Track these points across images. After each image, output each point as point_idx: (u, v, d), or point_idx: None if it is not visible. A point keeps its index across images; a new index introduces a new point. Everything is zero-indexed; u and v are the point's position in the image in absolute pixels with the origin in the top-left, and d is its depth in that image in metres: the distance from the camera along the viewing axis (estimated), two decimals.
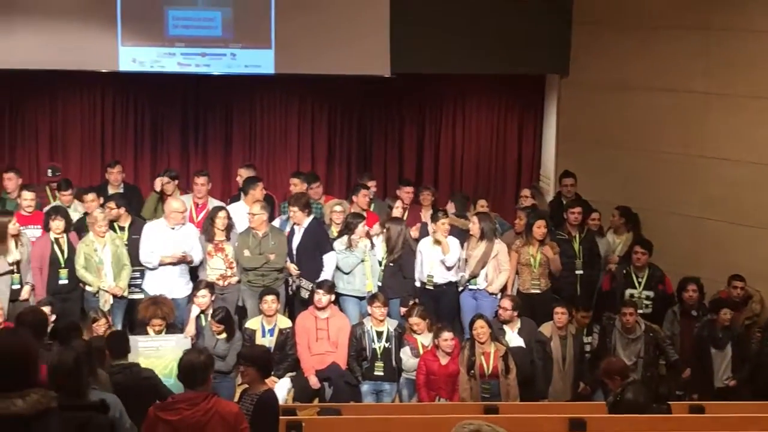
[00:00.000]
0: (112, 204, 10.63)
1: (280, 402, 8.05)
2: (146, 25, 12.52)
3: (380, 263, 10.74)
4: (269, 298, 9.70)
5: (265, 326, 9.70)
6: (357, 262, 10.50)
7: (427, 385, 9.31)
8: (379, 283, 10.65)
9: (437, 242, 10.50)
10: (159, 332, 9.31)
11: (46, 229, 10.30)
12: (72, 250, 10.20)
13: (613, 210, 11.65)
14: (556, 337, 9.78)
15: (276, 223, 11.03)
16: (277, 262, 10.42)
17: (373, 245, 10.73)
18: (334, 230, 10.89)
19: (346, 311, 10.35)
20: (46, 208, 10.74)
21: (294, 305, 10.70)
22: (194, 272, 10.55)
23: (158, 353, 9.06)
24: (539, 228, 10.58)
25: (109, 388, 6.96)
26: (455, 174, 14.16)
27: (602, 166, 12.40)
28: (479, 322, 9.31)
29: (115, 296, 10.18)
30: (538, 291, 10.58)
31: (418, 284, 10.65)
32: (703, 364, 9.98)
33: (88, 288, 10.19)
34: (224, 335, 9.44)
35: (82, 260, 10.13)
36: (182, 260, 10.28)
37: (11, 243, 10.04)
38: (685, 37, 11.84)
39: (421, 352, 9.55)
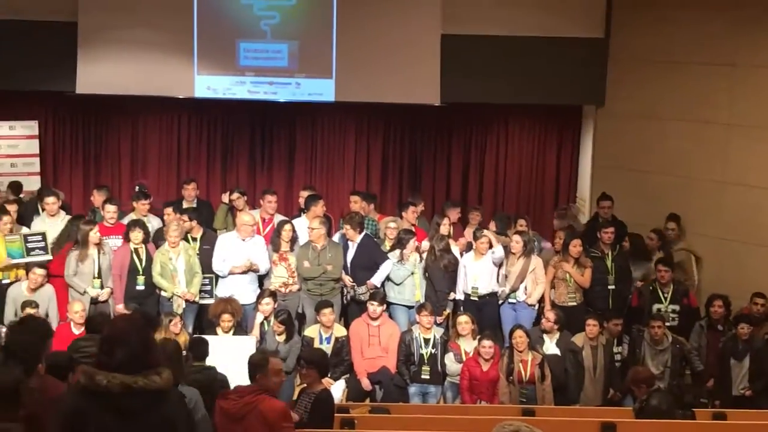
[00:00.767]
0: (185, 217, 10.79)
1: (336, 401, 8.12)
2: (220, 57, 12.70)
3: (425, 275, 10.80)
4: (326, 311, 9.77)
5: (322, 334, 9.78)
6: (407, 274, 10.56)
7: (469, 388, 9.36)
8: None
9: (479, 256, 10.56)
10: (228, 330, 9.42)
11: (126, 239, 10.47)
12: (149, 258, 10.32)
13: (650, 233, 11.63)
14: (588, 346, 9.76)
15: (335, 238, 11.13)
16: (334, 273, 10.51)
17: (422, 259, 10.79)
18: (387, 244, 10.96)
19: (396, 319, 10.38)
20: (126, 221, 10.90)
21: (348, 313, 10.80)
22: (262, 281, 10.66)
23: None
24: (575, 247, 10.62)
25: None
26: (498, 195, 14.14)
27: (633, 190, 12.36)
28: (518, 332, 9.37)
29: (187, 301, 10.29)
30: (573, 304, 10.59)
31: (461, 296, 10.69)
32: (723, 373, 9.94)
33: (163, 293, 10.30)
34: (284, 336, 9.54)
35: (158, 268, 10.26)
36: (249, 269, 10.43)
37: (93, 250, 10.25)
38: (712, 72, 11.80)
39: (464, 358, 9.60)
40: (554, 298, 10.64)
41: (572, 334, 9.91)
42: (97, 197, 11.69)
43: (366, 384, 9.67)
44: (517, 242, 10.63)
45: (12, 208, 10.80)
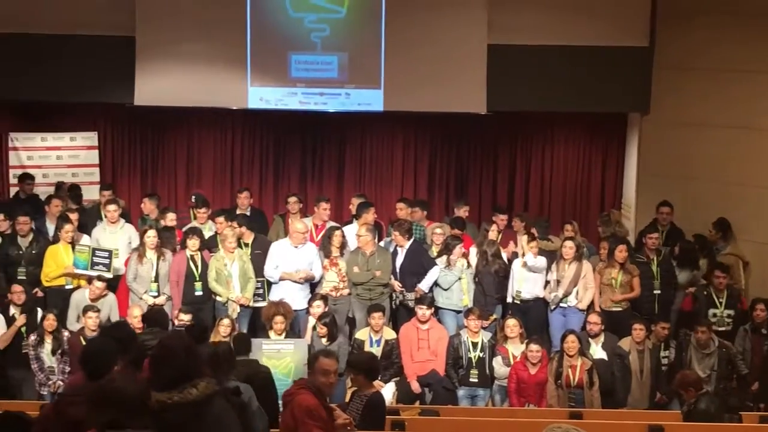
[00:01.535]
0: (235, 223, 10.85)
1: (386, 403, 8.08)
2: (272, 69, 12.77)
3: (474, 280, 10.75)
4: (376, 315, 9.75)
5: (372, 337, 9.75)
6: (454, 280, 10.51)
7: (517, 391, 9.28)
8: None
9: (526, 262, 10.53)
10: (281, 332, 9.43)
11: (183, 246, 10.53)
12: (205, 265, 10.37)
13: (691, 238, 11.50)
14: (635, 351, 9.64)
15: (383, 244, 11.10)
16: (383, 278, 10.50)
17: (469, 264, 10.74)
18: (435, 250, 10.92)
19: (444, 323, 10.34)
20: (184, 229, 10.98)
21: (397, 317, 10.76)
22: (313, 287, 10.65)
23: (279, 355, 9.20)
24: (620, 252, 10.50)
25: None
26: (543, 201, 14.05)
27: (678, 196, 12.20)
28: (570, 338, 9.27)
29: (241, 305, 10.34)
30: (619, 309, 10.47)
31: (510, 300, 10.65)
32: (767, 376, 9.76)
33: (218, 298, 10.36)
34: (326, 339, 9.50)
35: (213, 274, 10.32)
36: (306, 278, 10.43)
37: (152, 255, 10.30)
38: (753, 79, 11.66)
39: (512, 361, 9.52)
40: (600, 303, 10.53)
41: (619, 338, 9.79)
42: (148, 205, 11.78)
43: (416, 387, 9.63)
44: (570, 248, 10.54)
45: (73, 216, 10.91)
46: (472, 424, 8.13)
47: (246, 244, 10.78)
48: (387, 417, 7.48)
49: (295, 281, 10.39)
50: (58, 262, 10.36)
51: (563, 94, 12.75)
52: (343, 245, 10.66)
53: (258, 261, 10.57)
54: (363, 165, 14.14)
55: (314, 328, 9.70)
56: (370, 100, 12.85)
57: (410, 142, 14.15)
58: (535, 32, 12.56)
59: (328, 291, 10.38)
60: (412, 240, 10.76)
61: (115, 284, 10.46)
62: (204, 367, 4.52)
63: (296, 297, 10.29)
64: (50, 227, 11.14)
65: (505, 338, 9.73)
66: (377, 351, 9.53)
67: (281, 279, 10.42)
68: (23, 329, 9.62)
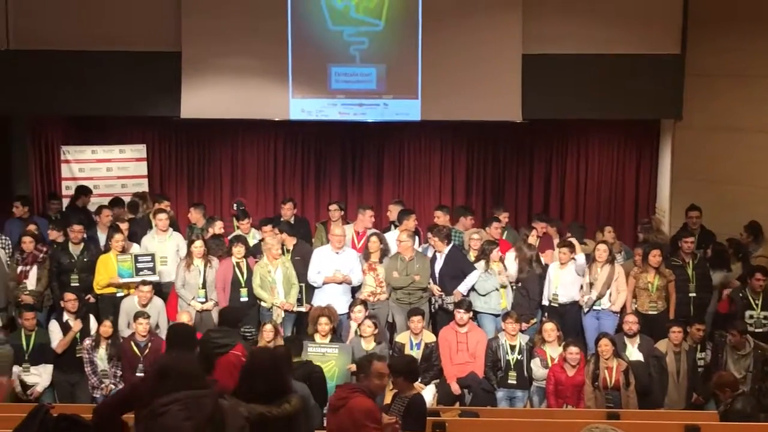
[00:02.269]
0: (276, 230, 10.93)
1: (427, 405, 8.07)
2: (313, 81, 12.84)
3: (511, 285, 10.71)
4: (416, 318, 9.74)
5: (412, 341, 9.75)
6: (492, 289, 10.49)
7: (555, 393, 9.23)
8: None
9: (563, 265, 10.48)
10: (326, 333, 9.46)
11: (229, 254, 10.60)
12: (250, 272, 10.41)
13: (725, 242, 11.39)
14: (671, 352, 9.57)
15: (420, 250, 11.09)
16: (421, 282, 10.50)
17: (506, 268, 10.71)
18: (472, 255, 10.91)
19: (483, 327, 10.31)
20: (229, 237, 11.06)
21: (437, 321, 10.75)
22: (354, 292, 10.67)
23: (324, 358, 9.21)
24: (654, 257, 10.42)
25: None
26: (578, 207, 14.01)
27: (711, 201, 12.11)
28: (604, 341, 9.21)
29: (285, 311, 10.38)
30: (655, 312, 10.39)
31: (546, 303, 10.61)
32: None
33: (263, 304, 10.40)
34: (374, 339, 9.49)
35: (258, 280, 10.35)
36: (343, 281, 10.47)
37: (199, 262, 10.38)
38: None
39: (549, 363, 9.48)
40: (637, 306, 10.45)
41: (654, 341, 9.71)
42: (194, 214, 11.87)
43: (455, 388, 9.62)
44: (603, 250, 10.49)
45: (124, 226, 11.02)
46: (511, 425, 8.08)
47: (288, 250, 10.82)
48: (428, 418, 7.48)
49: (336, 283, 10.42)
50: (109, 270, 10.45)
51: (597, 102, 12.73)
52: (382, 251, 10.68)
53: (297, 267, 10.60)
54: (401, 173, 14.19)
55: (356, 332, 9.72)
56: (407, 109, 12.88)
57: (447, 150, 14.18)
58: (568, 42, 12.57)
59: (366, 296, 10.40)
60: (451, 245, 10.75)
61: (166, 292, 10.56)
62: (290, 383, 4.66)
63: (339, 302, 10.31)
64: (101, 237, 11.27)
65: (543, 341, 9.69)
66: (417, 354, 9.53)
67: (324, 283, 10.46)
68: (77, 335, 9.74)
